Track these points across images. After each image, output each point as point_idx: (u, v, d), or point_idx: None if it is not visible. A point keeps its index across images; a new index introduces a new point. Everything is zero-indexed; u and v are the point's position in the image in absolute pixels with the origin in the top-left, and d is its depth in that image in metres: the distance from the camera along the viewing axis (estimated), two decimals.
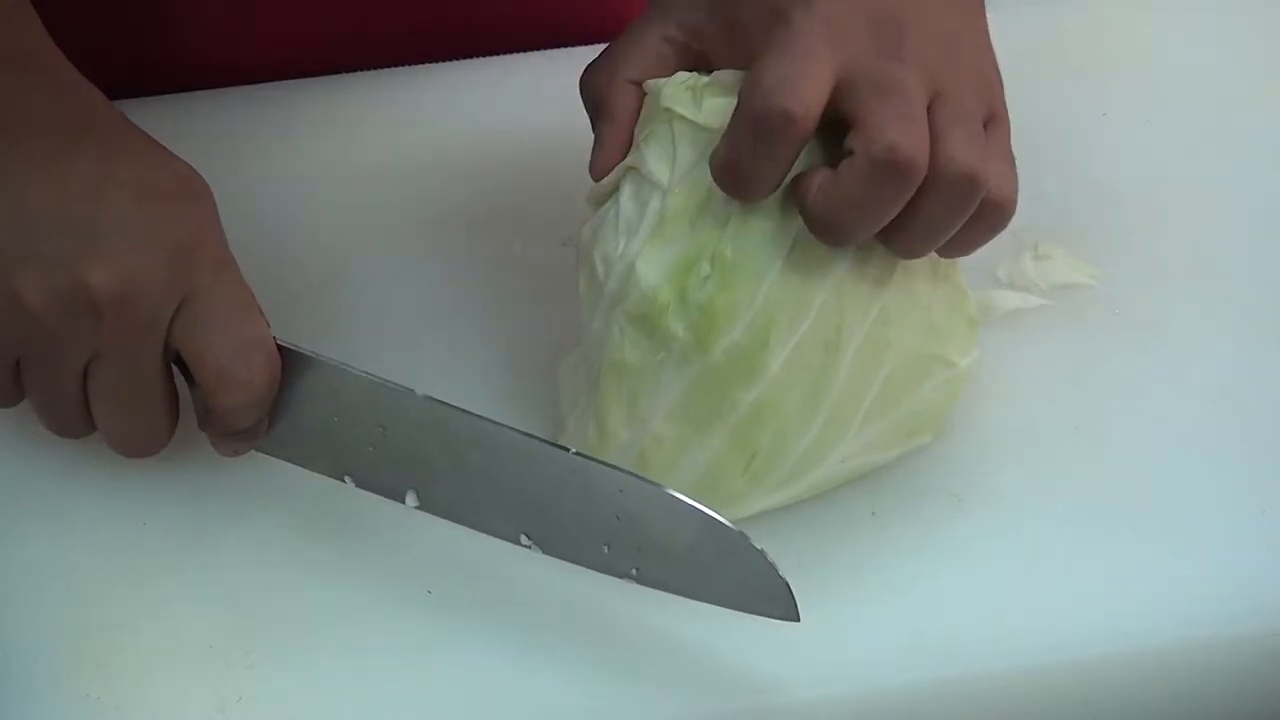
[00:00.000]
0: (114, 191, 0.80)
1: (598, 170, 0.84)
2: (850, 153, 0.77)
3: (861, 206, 0.77)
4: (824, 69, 0.77)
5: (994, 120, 0.80)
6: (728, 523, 0.77)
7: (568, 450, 0.79)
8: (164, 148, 0.83)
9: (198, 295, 0.80)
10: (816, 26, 0.78)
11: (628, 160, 0.83)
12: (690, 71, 0.83)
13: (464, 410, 0.80)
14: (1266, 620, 0.82)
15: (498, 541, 0.81)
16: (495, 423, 0.80)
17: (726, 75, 0.82)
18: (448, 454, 0.81)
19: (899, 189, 0.77)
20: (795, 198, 0.79)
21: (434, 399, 0.81)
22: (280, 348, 0.82)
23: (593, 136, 0.85)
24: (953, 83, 0.79)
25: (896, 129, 0.76)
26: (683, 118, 0.81)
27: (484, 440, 0.80)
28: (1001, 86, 0.81)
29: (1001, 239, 0.81)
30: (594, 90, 0.85)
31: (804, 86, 0.77)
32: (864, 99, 0.77)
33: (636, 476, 0.79)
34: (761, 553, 0.77)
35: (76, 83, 0.84)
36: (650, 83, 0.83)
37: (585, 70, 0.86)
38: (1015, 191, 0.80)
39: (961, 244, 0.80)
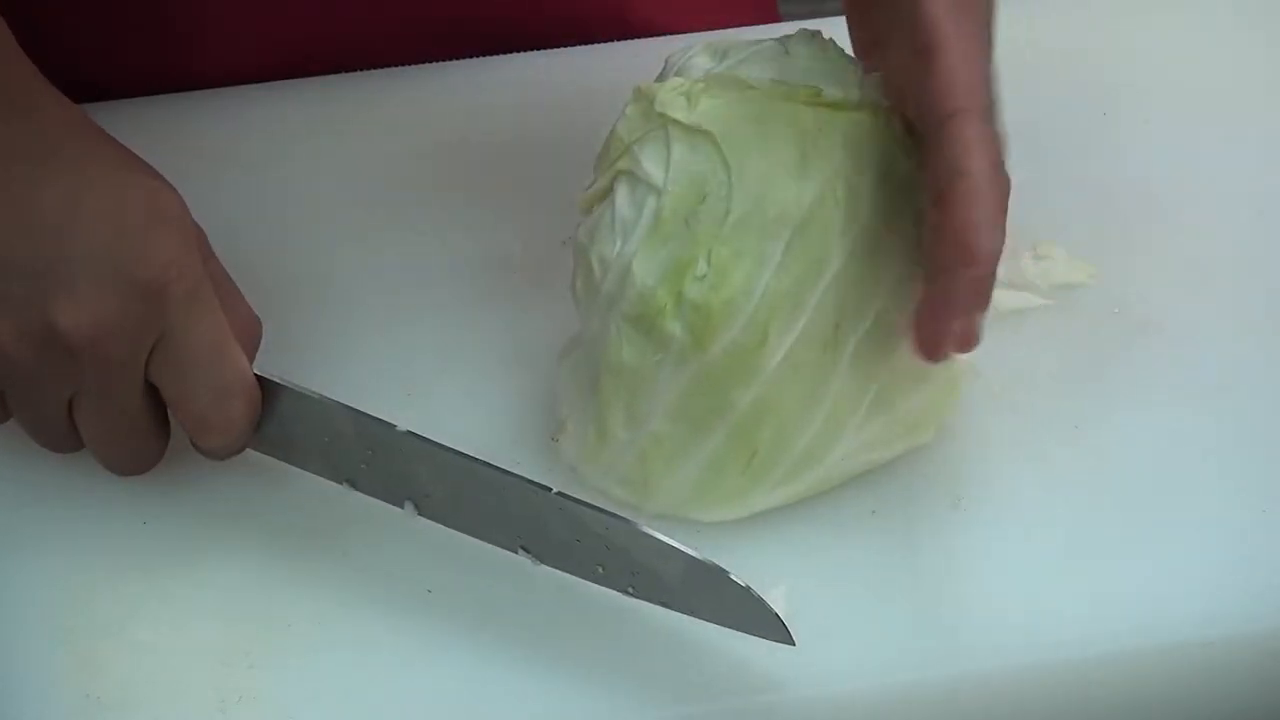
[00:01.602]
0: (82, 227, 0.78)
1: None
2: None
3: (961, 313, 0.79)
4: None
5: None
6: (710, 561, 0.77)
7: (549, 490, 0.79)
8: (133, 157, 0.81)
9: (172, 334, 0.79)
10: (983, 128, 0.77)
11: (620, 164, 0.82)
12: (711, 71, 0.83)
13: (443, 446, 0.80)
14: (1266, 620, 0.82)
15: None
16: (477, 460, 0.80)
17: (723, 77, 0.82)
18: (436, 481, 0.81)
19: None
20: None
21: (414, 435, 0.80)
22: (261, 380, 0.82)
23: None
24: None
25: (988, 233, 0.77)
26: (676, 121, 0.81)
27: (467, 475, 0.80)
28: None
29: None
30: None
31: (999, 217, 0.77)
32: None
33: (616, 517, 0.78)
34: (747, 589, 0.77)
35: (39, 94, 0.82)
36: (642, 86, 0.83)
37: None
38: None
39: None
